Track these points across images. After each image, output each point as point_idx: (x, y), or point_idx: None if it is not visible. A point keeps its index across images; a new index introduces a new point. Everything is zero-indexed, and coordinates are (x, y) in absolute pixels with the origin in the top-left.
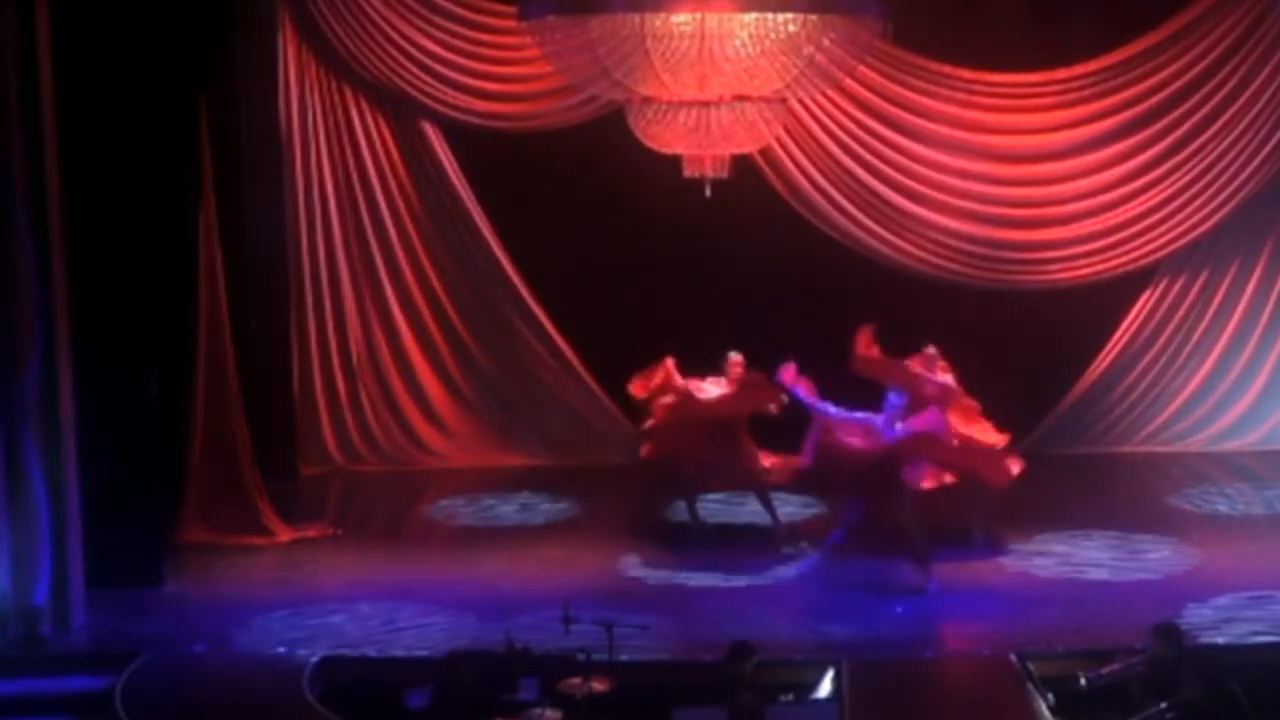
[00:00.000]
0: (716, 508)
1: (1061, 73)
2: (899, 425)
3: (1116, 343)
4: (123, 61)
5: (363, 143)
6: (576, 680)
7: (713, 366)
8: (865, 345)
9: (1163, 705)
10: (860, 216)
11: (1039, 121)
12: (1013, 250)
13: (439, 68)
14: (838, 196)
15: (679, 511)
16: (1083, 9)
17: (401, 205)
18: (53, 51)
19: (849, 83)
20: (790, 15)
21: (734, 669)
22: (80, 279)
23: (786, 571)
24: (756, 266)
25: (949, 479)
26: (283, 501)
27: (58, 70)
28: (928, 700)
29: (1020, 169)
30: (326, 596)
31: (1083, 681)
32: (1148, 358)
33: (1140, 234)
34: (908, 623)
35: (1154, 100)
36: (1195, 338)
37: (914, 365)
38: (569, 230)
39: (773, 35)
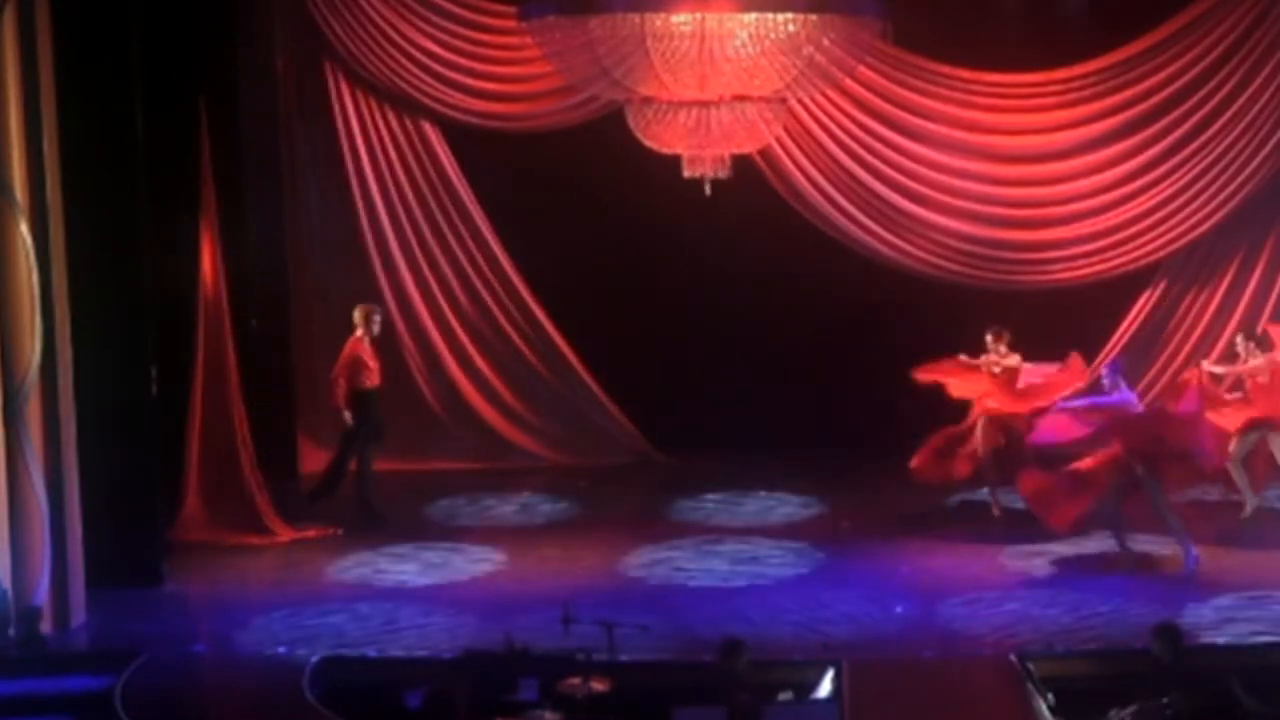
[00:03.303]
0: (715, 507)
1: (1061, 73)
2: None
3: (1116, 343)
4: (123, 62)
5: (362, 143)
6: (576, 680)
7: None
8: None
9: (1163, 700)
10: (861, 217)
11: (1039, 121)
12: (1013, 250)
13: (439, 68)
14: (838, 197)
15: (680, 511)
16: (1083, 9)
17: (401, 205)
18: (53, 52)
19: (849, 83)
20: (790, 15)
21: (726, 666)
22: (80, 279)
23: (787, 571)
24: (756, 266)
25: None
26: (283, 501)
27: (58, 70)
28: (928, 700)
29: (1020, 169)
30: (326, 596)
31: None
32: (1148, 358)
33: (1140, 234)
34: (908, 623)
35: (1154, 100)
36: (1195, 338)
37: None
38: (569, 230)
39: (772, 35)
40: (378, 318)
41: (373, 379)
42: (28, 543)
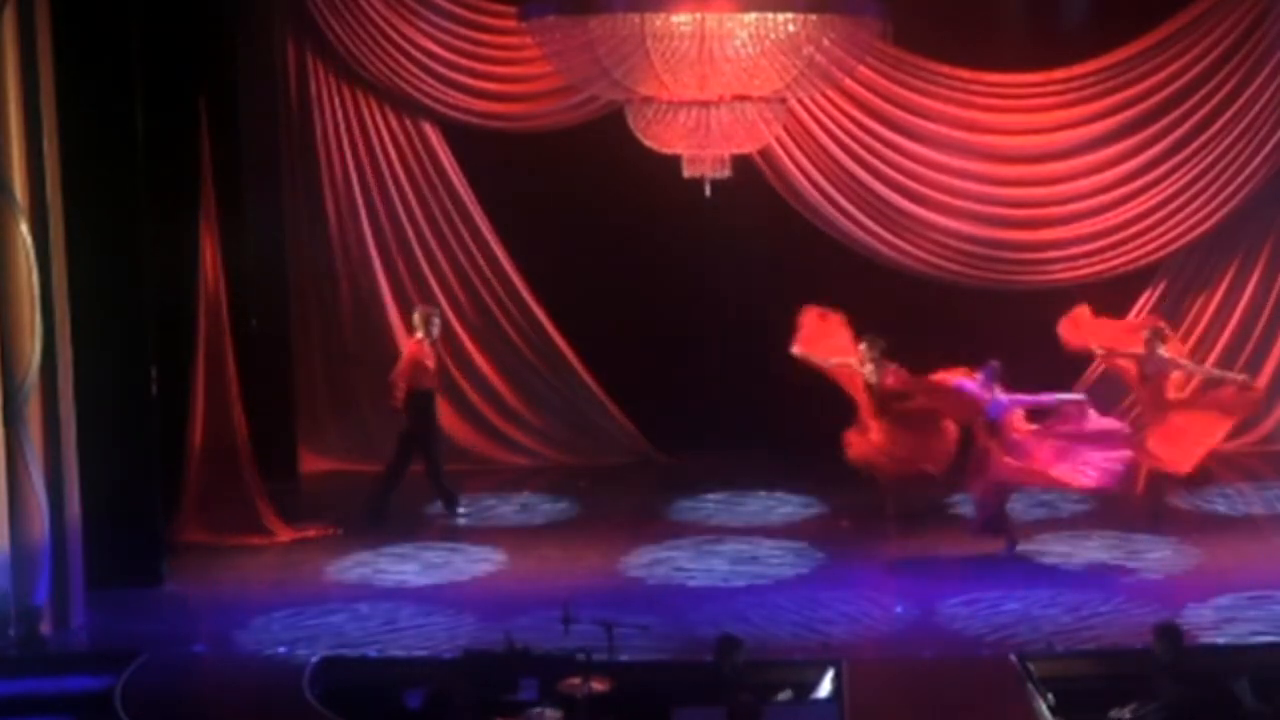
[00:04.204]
0: (715, 507)
1: (1061, 73)
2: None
3: None
4: (123, 62)
5: (362, 143)
6: (576, 680)
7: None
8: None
9: (1153, 705)
10: (860, 216)
11: (1039, 121)
12: (1013, 250)
13: (439, 68)
14: (838, 196)
15: (680, 511)
16: (1083, 9)
17: (401, 205)
18: (53, 52)
19: (849, 83)
20: (790, 15)
21: (721, 663)
22: (80, 279)
23: (787, 571)
24: (756, 266)
25: None
26: (283, 501)
27: (58, 71)
28: (928, 700)
29: (1020, 169)
30: (326, 596)
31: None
32: None
33: (1140, 234)
34: (908, 623)
35: (1154, 100)
36: (1195, 338)
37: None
38: (569, 230)
39: (772, 35)
40: (437, 320)
41: (431, 380)
42: (28, 543)
